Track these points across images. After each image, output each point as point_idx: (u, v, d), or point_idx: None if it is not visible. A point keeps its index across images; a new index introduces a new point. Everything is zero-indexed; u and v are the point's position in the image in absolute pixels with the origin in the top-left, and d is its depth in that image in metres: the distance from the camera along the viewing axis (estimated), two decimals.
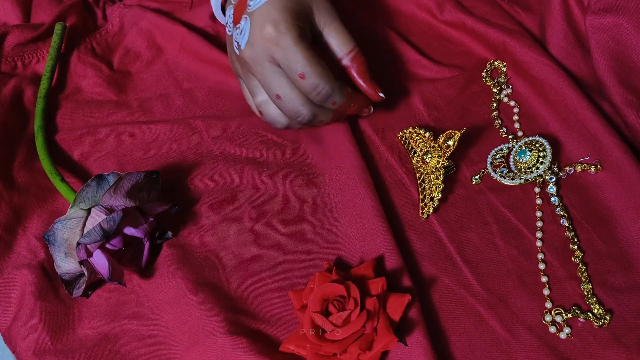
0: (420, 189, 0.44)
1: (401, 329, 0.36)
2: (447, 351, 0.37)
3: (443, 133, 0.43)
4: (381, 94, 0.44)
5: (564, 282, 0.40)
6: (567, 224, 0.42)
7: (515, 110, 0.49)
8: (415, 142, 0.45)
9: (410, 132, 0.46)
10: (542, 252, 0.41)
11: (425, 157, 0.44)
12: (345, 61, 0.44)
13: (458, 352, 0.37)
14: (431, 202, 0.42)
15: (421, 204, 0.43)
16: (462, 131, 0.42)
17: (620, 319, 0.38)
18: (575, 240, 0.41)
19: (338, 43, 0.43)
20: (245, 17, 0.41)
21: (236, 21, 0.43)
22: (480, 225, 0.42)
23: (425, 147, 0.44)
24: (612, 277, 0.40)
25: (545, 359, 0.37)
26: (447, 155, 0.43)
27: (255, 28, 0.40)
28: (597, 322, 0.38)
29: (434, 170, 0.43)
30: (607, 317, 0.38)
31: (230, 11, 0.44)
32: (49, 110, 0.49)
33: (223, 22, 0.47)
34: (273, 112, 0.44)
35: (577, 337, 0.37)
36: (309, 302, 0.35)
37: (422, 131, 0.45)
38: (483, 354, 0.37)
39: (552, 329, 0.38)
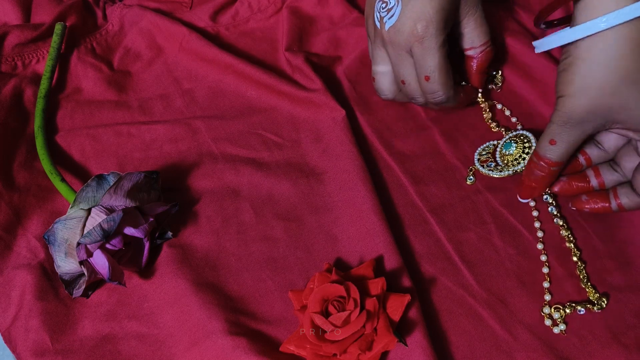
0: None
1: (401, 329, 0.36)
2: (447, 351, 0.37)
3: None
4: (480, 90, 0.48)
5: (563, 281, 0.40)
6: (561, 223, 0.42)
7: (515, 110, 0.49)
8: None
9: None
10: (540, 251, 0.41)
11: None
12: (473, 52, 0.46)
13: (458, 352, 0.37)
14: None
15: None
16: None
17: (619, 318, 0.38)
18: (571, 238, 0.41)
19: (476, 34, 0.45)
20: (397, 0, 0.42)
21: None
22: (479, 225, 0.43)
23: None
24: (610, 276, 0.40)
25: (545, 359, 0.37)
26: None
27: (406, 17, 0.41)
28: (596, 307, 0.38)
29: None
30: (604, 299, 0.38)
31: None
32: (49, 110, 0.49)
33: None
34: (384, 85, 0.47)
35: (576, 337, 0.38)
36: (309, 303, 0.35)
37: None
38: (483, 354, 0.37)
39: (552, 327, 0.38)
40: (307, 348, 0.35)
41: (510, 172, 0.44)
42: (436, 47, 0.41)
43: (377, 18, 0.43)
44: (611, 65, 0.35)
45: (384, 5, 0.42)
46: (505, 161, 0.44)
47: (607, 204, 0.41)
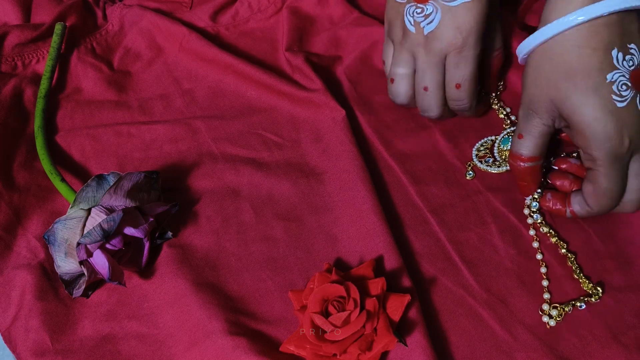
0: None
1: (401, 329, 0.36)
2: (446, 351, 0.37)
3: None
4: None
5: (562, 280, 0.40)
6: (539, 220, 0.42)
7: (516, 109, 0.49)
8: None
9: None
10: (540, 251, 0.41)
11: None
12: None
13: (458, 352, 0.37)
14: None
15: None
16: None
17: (619, 318, 0.38)
18: (553, 233, 0.41)
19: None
20: (436, 7, 0.41)
21: None
22: (479, 225, 0.43)
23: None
24: (610, 276, 0.40)
25: (545, 359, 0.37)
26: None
27: (446, 27, 0.41)
28: (594, 298, 0.38)
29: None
30: (599, 288, 0.39)
31: None
32: (49, 110, 0.49)
33: None
34: (402, 88, 0.45)
35: (576, 337, 0.38)
36: (309, 303, 0.35)
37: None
38: (483, 354, 0.37)
39: (552, 323, 0.38)
40: (307, 348, 0.35)
41: (508, 168, 0.44)
42: (473, 56, 0.41)
43: (410, 22, 0.43)
44: (554, 60, 0.37)
45: (419, 10, 0.42)
46: (503, 157, 0.45)
47: (563, 208, 0.41)
